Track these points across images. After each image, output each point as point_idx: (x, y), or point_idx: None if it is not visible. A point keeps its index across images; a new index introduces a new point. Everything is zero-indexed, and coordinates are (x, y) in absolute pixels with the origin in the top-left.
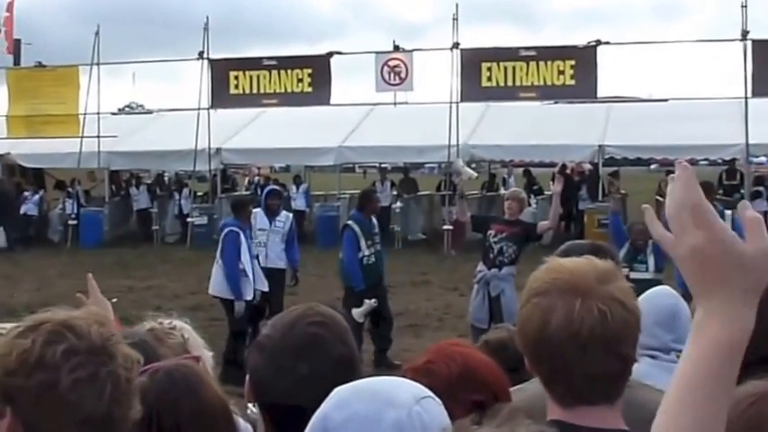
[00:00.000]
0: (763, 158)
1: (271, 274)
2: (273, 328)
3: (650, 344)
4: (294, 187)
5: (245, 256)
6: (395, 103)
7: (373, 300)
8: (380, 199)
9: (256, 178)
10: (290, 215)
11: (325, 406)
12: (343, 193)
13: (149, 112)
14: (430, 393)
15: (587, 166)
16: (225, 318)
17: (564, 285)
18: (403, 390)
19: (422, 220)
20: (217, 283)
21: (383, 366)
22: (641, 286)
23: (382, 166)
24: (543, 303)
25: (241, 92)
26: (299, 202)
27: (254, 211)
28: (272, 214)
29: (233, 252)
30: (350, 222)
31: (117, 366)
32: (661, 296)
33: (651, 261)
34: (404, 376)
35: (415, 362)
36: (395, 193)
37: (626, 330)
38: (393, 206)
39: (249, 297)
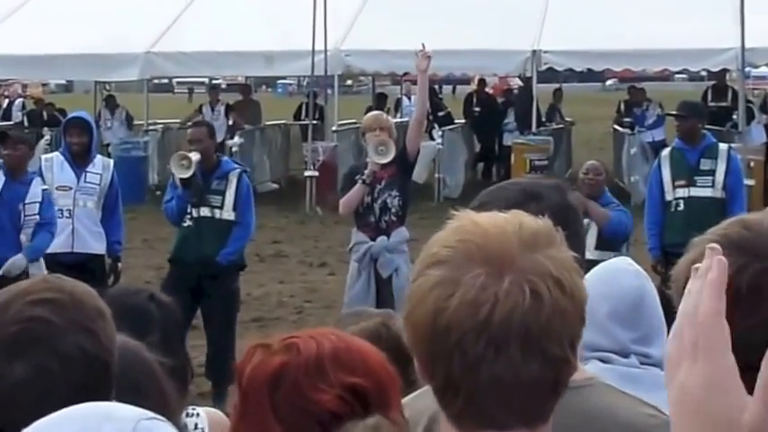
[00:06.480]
0: (764, 69)
1: (82, 264)
2: None
3: (601, 344)
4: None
5: None
6: None
7: None
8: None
9: (19, 100)
10: (111, 162)
11: None
12: (154, 124)
13: None
14: (158, 416)
15: (516, 82)
16: None
17: (474, 252)
18: (125, 408)
19: (272, 162)
20: None
21: None
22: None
23: (214, 82)
24: (442, 278)
25: None
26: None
27: (49, 157)
28: (80, 162)
29: None
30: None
31: None
32: (620, 275)
33: (592, 235)
34: (252, 354)
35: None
36: (231, 122)
37: (560, 320)
38: (229, 143)
39: None
